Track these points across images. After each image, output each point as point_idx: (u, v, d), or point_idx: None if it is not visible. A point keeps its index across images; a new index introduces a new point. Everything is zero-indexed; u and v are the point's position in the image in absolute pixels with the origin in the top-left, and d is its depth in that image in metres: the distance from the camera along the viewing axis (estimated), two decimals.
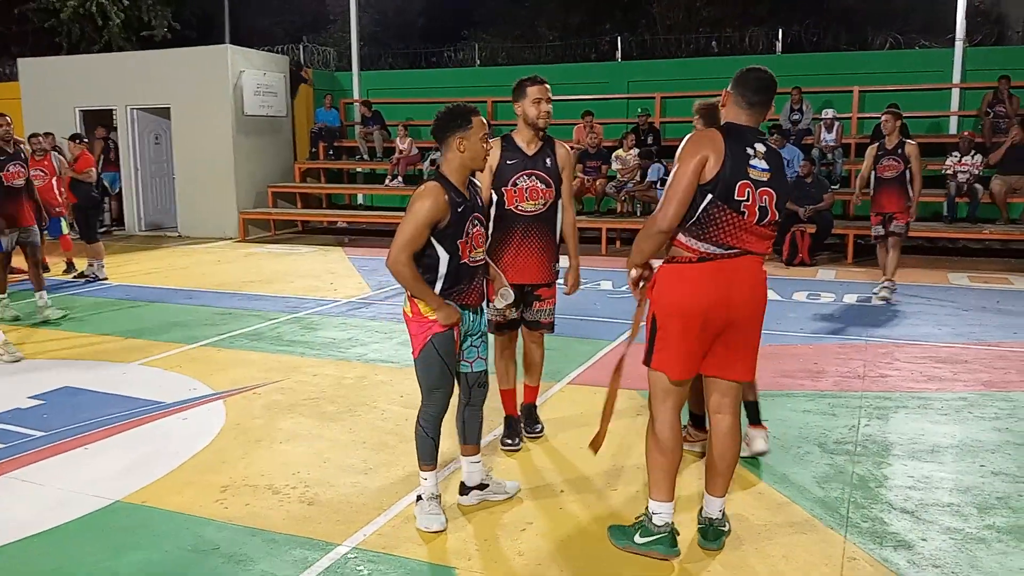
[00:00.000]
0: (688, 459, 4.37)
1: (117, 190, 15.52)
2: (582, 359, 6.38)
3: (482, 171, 3.96)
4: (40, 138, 10.44)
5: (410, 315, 3.65)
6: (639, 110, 14.00)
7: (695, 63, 15.51)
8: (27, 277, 8.39)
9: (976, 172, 11.60)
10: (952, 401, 5.44)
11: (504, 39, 23.03)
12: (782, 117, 12.97)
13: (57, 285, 9.73)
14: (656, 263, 3.38)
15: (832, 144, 12.74)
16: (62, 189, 10.19)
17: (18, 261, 8.71)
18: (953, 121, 13.51)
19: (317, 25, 25.23)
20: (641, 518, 3.48)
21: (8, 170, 7.66)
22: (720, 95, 3.42)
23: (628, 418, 5.02)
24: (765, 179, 3.19)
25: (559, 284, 4.59)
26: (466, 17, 25.05)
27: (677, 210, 3.16)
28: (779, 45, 15.49)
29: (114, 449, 4.74)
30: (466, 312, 3.69)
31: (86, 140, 11.45)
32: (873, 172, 8.52)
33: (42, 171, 9.85)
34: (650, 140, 13.49)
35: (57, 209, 9.98)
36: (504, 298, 3.85)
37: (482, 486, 3.95)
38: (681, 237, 3.25)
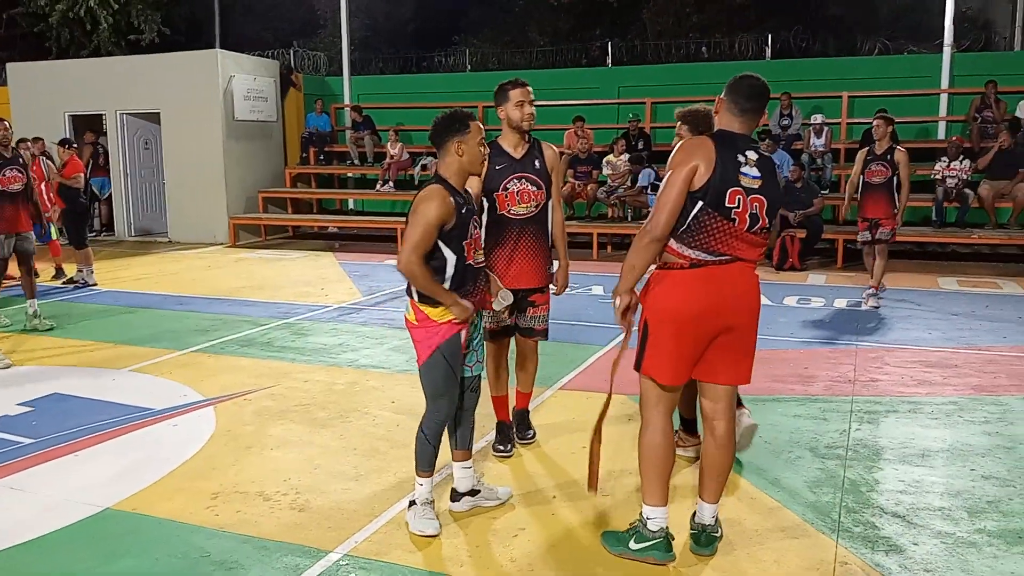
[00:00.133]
0: (680, 464, 4.37)
1: (106, 195, 15.46)
2: (574, 364, 6.38)
3: (480, 175, 3.97)
4: (29, 143, 10.39)
5: (415, 322, 3.63)
6: (630, 116, 14.03)
7: (685, 69, 15.57)
8: (19, 283, 8.33)
9: (964, 177, 11.66)
10: (942, 405, 5.46)
11: (495, 44, 23.07)
12: (772, 122, 13.02)
13: (46, 291, 9.67)
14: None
15: (821, 149, 12.80)
16: (51, 194, 10.14)
17: (11, 267, 8.64)
18: (941, 126, 13.60)
19: (307, 30, 25.22)
20: (635, 524, 3.48)
21: (5, 175, 7.61)
22: (710, 100, 3.44)
23: (620, 424, 5.02)
24: (756, 186, 3.20)
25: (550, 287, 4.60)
26: (457, 22, 25.09)
27: (668, 218, 3.17)
28: (768, 51, 15.56)
29: (104, 456, 4.71)
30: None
31: (75, 145, 11.41)
32: (861, 177, 8.54)
33: (31, 176, 9.78)
34: (640, 145, 13.52)
35: (46, 215, 9.92)
36: (504, 299, 3.85)
37: (474, 492, 3.94)
38: (672, 244, 3.25)
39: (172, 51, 16.70)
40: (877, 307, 8.52)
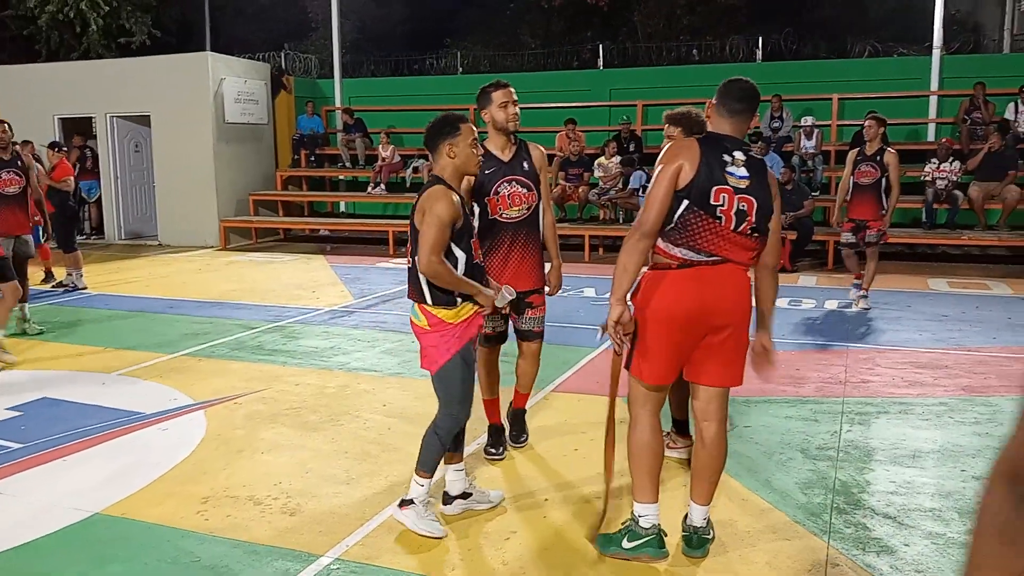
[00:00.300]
0: (672, 466, 4.38)
1: (94, 198, 15.40)
2: (566, 366, 6.38)
3: (475, 175, 3.97)
4: (18, 147, 10.33)
5: (427, 327, 3.61)
6: (621, 118, 14.05)
7: (676, 71, 15.61)
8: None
9: (954, 179, 11.71)
10: (933, 406, 5.47)
11: (486, 47, 23.06)
12: (762, 124, 13.05)
13: (36, 295, 9.61)
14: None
15: (812, 151, 12.84)
16: (32, 198, 10.07)
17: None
18: (931, 128, 13.65)
19: (299, 32, 25.18)
20: (627, 523, 3.48)
21: (2, 177, 7.55)
22: (701, 103, 3.47)
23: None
24: (744, 186, 3.21)
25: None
26: (448, 25, 25.07)
27: (657, 214, 3.20)
28: (759, 53, 15.61)
29: (93, 460, 4.68)
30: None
31: (64, 148, 11.36)
32: (851, 178, 8.54)
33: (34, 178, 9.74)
34: (632, 148, 13.54)
35: (36, 218, 9.86)
36: (507, 294, 3.84)
37: (465, 495, 3.93)
38: (661, 243, 3.28)
39: (163, 54, 16.64)
40: (867, 309, 8.54)
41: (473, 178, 4.21)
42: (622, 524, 3.54)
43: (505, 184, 4.32)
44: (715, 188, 3.17)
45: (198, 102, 14.40)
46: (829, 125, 13.62)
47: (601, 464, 4.46)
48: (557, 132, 13.73)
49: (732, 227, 3.20)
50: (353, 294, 9.82)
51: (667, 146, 3.38)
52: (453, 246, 3.56)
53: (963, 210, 11.71)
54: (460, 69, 18.73)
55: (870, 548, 3.56)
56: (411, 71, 18.79)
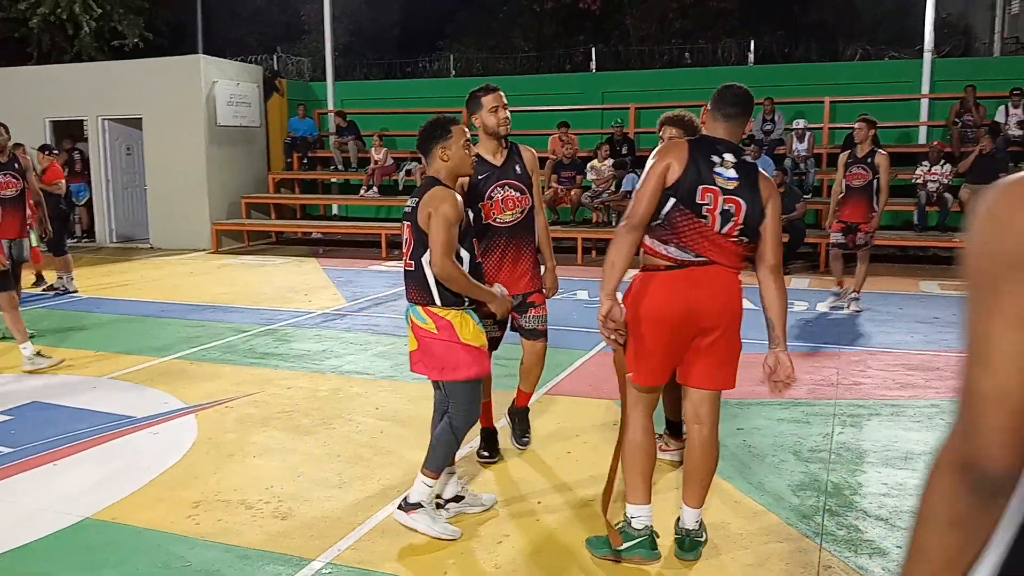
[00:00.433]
0: (665, 469, 4.38)
1: (83, 201, 15.34)
2: (559, 368, 6.37)
3: (469, 176, 3.96)
4: (16, 149, 10.28)
5: (435, 331, 3.59)
6: (614, 122, 14.07)
7: (669, 74, 15.63)
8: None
9: (945, 181, 11.75)
10: (924, 408, 5.49)
11: (479, 50, 23.08)
12: (754, 127, 13.08)
13: (27, 298, 9.56)
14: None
15: (804, 154, 12.87)
16: (30, 201, 10.03)
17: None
18: (922, 131, 13.70)
19: (291, 35, 25.15)
20: (620, 524, 3.48)
21: None
22: (693, 105, 3.49)
23: (605, 429, 5.02)
24: (732, 187, 3.22)
25: None
26: (440, 28, 25.08)
27: (645, 210, 3.25)
28: (751, 56, 15.65)
29: (84, 465, 4.66)
30: (471, 312, 3.70)
31: (56, 151, 11.32)
32: (842, 180, 8.54)
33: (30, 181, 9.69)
34: (624, 151, 13.55)
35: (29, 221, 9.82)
36: (502, 293, 3.83)
37: (458, 498, 3.92)
38: (650, 242, 3.31)
39: (155, 56, 16.60)
40: (859, 311, 8.56)
41: (467, 181, 4.21)
42: (615, 525, 3.54)
43: (498, 189, 4.30)
44: (701, 187, 3.20)
45: (190, 105, 14.36)
46: (821, 128, 13.66)
47: (594, 468, 4.47)
48: (550, 135, 13.74)
49: (717, 228, 3.22)
50: (345, 297, 9.80)
51: (659, 146, 3.41)
52: (458, 246, 3.58)
53: (954, 212, 11.75)
54: (453, 72, 18.74)
55: (862, 550, 3.56)
56: (404, 74, 18.79)
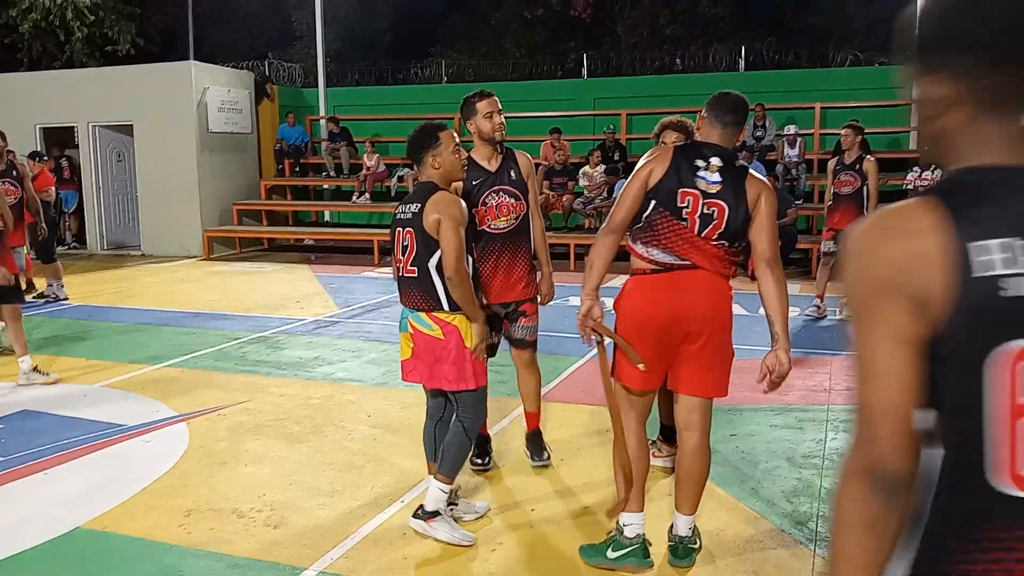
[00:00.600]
0: (657, 475, 4.37)
1: (72, 208, 15.29)
2: (553, 375, 6.36)
3: (462, 179, 3.96)
4: (15, 156, 10.24)
5: (441, 336, 3.59)
6: (606, 128, 14.09)
7: (660, 80, 15.66)
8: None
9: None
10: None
11: (471, 56, 23.11)
12: (746, 133, 13.10)
13: None
14: (609, 302, 3.41)
15: (796, 160, 12.91)
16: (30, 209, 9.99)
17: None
18: (913, 137, 13.75)
19: (283, 41, 25.15)
20: (612, 533, 3.48)
21: None
22: (685, 111, 3.51)
23: (598, 436, 5.01)
24: (714, 191, 3.23)
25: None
26: (432, 34, 25.12)
27: (623, 215, 3.32)
28: (742, 63, 15.70)
29: (74, 474, 4.63)
30: None
31: (46, 158, 11.28)
32: (832, 187, 8.53)
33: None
34: (616, 157, 13.58)
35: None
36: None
37: (451, 506, 3.90)
38: (634, 245, 3.35)
39: (146, 62, 16.58)
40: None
41: (460, 186, 4.20)
42: (607, 534, 3.54)
43: (492, 195, 4.28)
44: (680, 191, 3.24)
45: (181, 111, 14.33)
46: (812, 134, 13.71)
47: (587, 475, 4.46)
48: (542, 141, 13.76)
49: (696, 231, 3.23)
50: (337, 304, 9.78)
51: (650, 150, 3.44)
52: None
53: None
54: (445, 78, 18.74)
55: None
56: (395, 80, 18.77)
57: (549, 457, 4.64)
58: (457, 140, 3.71)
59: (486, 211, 4.28)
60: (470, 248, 3.64)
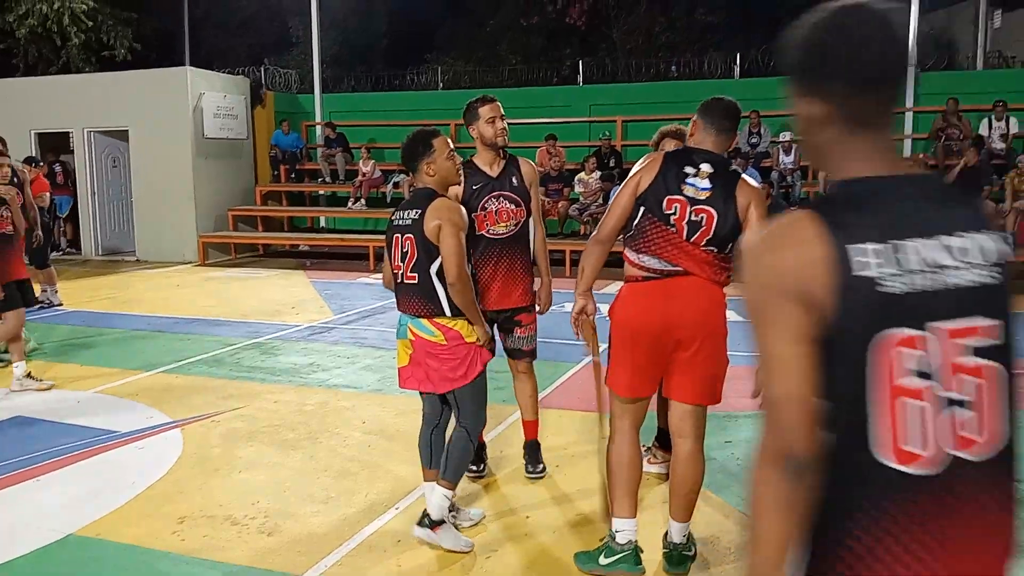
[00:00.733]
0: (652, 482, 4.36)
1: (65, 214, 15.25)
2: (548, 381, 6.36)
3: (458, 184, 3.95)
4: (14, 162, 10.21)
5: (444, 341, 3.57)
6: (601, 134, 14.11)
7: (655, 87, 15.70)
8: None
9: None
10: None
11: (467, 62, 23.13)
12: (741, 140, 13.15)
13: None
14: (604, 308, 3.44)
15: (791, 167, 12.94)
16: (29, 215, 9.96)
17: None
18: (907, 144, 13.80)
19: (279, 47, 25.16)
20: (605, 539, 3.48)
21: None
22: (680, 118, 3.51)
23: (593, 443, 5.00)
24: (703, 198, 3.24)
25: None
26: (428, 40, 25.15)
27: (613, 224, 3.36)
28: (737, 70, 15.73)
29: (68, 480, 4.61)
30: None
31: (41, 164, 11.25)
32: None
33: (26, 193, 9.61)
34: (612, 163, 13.60)
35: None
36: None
37: (451, 512, 3.89)
38: (627, 252, 3.37)
39: (142, 68, 16.56)
40: None
41: (460, 190, 4.20)
42: (600, 540, 3.54)
43: (492, 200, 4.27)
44: (667, 198, 3.26)
45: (177, 117, 14.32)
46: None
47: (582, 481, 4.46)
48: (537, 147, 13.77)
49: (685, 236, 3.24)
50: (333, 310, 9.77)
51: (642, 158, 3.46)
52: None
53: None
54: (440, 84, 18.76)
55: None
56: (391, 86, 18.79)
57: (544, 469, 4.61)
58: (451, 145, 3.71)
59: (485, 216, 4.26)
60: (468, 254, 3.65)
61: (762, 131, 13.36)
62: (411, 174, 3.74)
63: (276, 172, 16.09)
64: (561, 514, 4.11)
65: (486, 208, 4.26)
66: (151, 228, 14.74)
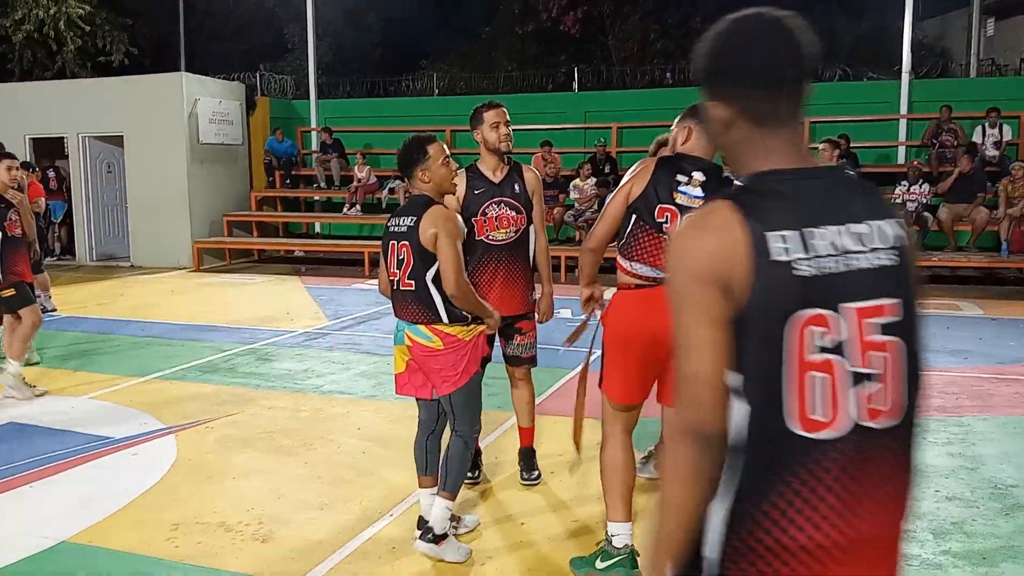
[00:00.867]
0: (650, 487, 4.36)
1: (58, 219, 15.23)
2: (541, 388, 6.33)
3: (454, 192, 3.95)
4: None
5: (441, 347, 3.57)
6: (596, 141, 14.14)
7: (650, 94, 15.73)
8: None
9: (924, 201, 11.88)
10: None
11: (462, 69, 23.15)
12: None
13: None
14: (608, 292, 3.46)
15: None
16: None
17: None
18: (901, 151, 13.85)
19: (275, 52, 25.14)
20: (601, 543, 3.48)
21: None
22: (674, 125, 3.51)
23: (588, 449, 4.99)
24: (696, 206, 3.24)
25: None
26: (424, 47, 25.16)
27: (604, 230, 3.40)
28: None
29: (60, 487, 4.59)
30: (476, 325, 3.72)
31: (36, 169, 11.23)
32: None
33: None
34: (607, 169, 13.63)
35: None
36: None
37: (453, 522, 3.88)
38: (620, 260, 3.39)
39: (137, 73, 16.54)
40: None
41: (462, 195, 4.20)
42: (597, 545, 3.54)
43: (493, 205, 4.27)
44: (659, 206, 3.28)
45: (172, 122, 14.31)
46: None
47: (577, 488, 4.45)
48: (532, 154, 13.78)
49: None
50: (327, 316, 9.75)
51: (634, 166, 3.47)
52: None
53: (933, 232, 11.87)
54: (436, 91, 18.78)
55: None
56: (387, 92, 18.80)
57: (539, 476, 4.60)
58: (447, 152, 3.71)
59: (485, 221, 4.26)
60: (466, 259, 3.65)
61: None
62: (406, 180, 3.73)
63: (271, 178, 16.07)
64: (557, 520, 4.11)
65: (486, 213, 4.26)
66: (146, 233, 14.71)
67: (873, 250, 1.46)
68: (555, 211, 13.27)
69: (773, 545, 1.40)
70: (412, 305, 3.59)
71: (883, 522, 1.46)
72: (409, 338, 3.61)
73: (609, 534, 3.42)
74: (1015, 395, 6.26)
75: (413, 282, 3.56)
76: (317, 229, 16.54)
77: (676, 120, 3.54)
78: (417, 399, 3.80)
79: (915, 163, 12.21)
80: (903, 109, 13.85)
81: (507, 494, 4.46)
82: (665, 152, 4.33)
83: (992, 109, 12.57)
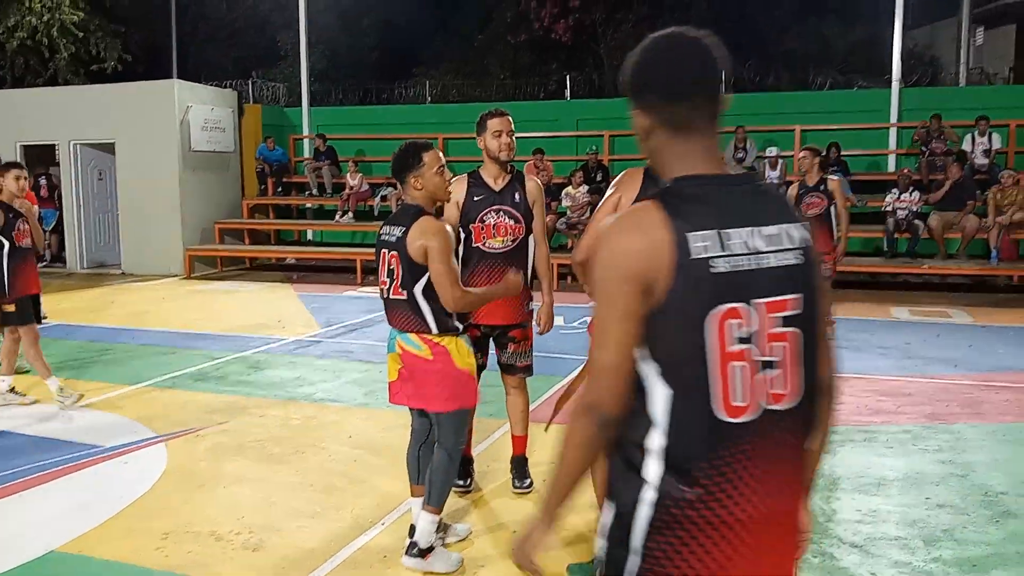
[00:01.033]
0: None
1: (50, 227, 15.16)
2: (536, 394, 6.31)
3: (447, 201, 3.94)
4: None
5: (430, 356, 3.56)
6: (589, 148, 14.17)
7: None
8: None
9: (915, 208, 11.93)
10: (897, 434, 5.53)
11: (455, 76, 23.18)
12: (727, 155, 13.23)
13: None
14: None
15: (777, 182, 13.02)
16: None
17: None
18: (891, 159, 13.93)
19: (267, 60, 25.14)
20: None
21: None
22: None
23: None
24: None
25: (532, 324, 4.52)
26: (417, 54, 25.19)
27: (589, 243, 3.34)
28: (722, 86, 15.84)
29: (50, 496, 4.57)
30: (465, 338, 3.69)
31: (29, 177, 11.19)
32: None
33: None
34: (599, 177, 13.65)
35: None
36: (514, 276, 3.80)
37: (440, 533, 3.88)
38: None
39: (129, 80, 16.52)
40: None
41: (461, 203, 4.20)
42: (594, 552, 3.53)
43: (492, 213, 4.26)
44: None
45: (164, 129, 14.29)
46: (792, 156, 13.81)
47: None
48: (525, 161, 13.81)
49: None
50: (319, 323, 9.74)
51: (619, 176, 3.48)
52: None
53: (923, 239, 11.93)
54: (429, 98, 18.80)
55: None
56: (380, 100, 18.80)
57: (532, 484, 4.59)
58: (443, 160, 3.70)
59: (482, 229, 4.26)
60: (463, 266, 3.64)
61: (748, 146, 13.45)
62: (400, 186, 3.72)
63: (263, 186, 16.06)
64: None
65: (484, 221, 4.26)
66: (137, 241, 14.67)
67: (781, 250, 1.61)
68: (547, 219, 13.29)
69: (698, 520, 1.54)
70: (402, 314, 3.59)
71: (788, 498, 1.62)
72: (400, 346, 3.61)
73: None
74: (1005, 402, 6.29)
75: (405, 292, 3.56)
76: (309, 236, 16.52)
77: None
78: (410, 408, 3.79)
79: (905, 171, 12.28)
80: (893, 117, 13.93)
81: (499, 502, 4.45)
82: None
83: (981, 117, 12.65)
